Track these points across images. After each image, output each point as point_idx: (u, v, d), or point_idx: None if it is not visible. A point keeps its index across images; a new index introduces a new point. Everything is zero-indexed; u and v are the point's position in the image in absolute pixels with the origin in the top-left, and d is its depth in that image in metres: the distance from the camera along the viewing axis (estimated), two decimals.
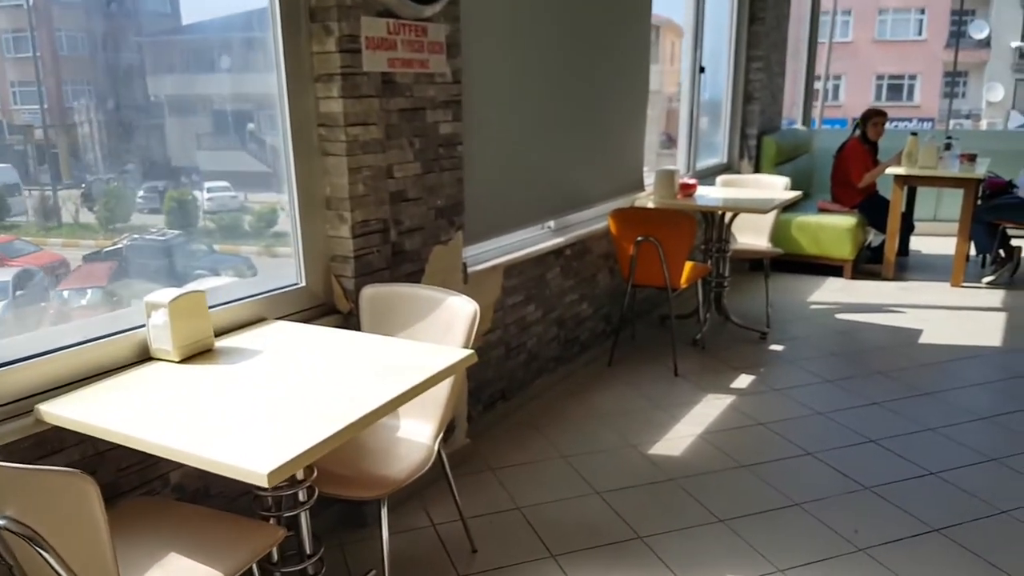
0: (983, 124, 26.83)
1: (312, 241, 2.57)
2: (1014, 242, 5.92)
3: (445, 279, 2.98)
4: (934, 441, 3.36)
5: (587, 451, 3.30)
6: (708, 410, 3.70)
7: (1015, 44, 27.43)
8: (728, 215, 4.54)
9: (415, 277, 2.84)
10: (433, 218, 2.89)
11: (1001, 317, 5.06)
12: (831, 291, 5.69)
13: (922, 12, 28.19)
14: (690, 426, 3.54)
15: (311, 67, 2.47)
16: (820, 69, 25.32)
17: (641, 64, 4.41)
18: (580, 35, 3.81)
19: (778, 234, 5.88)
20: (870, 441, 3.36)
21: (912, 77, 28.90)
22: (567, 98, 3.79)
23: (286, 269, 2.59)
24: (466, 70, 2.99)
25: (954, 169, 5.74)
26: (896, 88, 29.20)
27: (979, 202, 5.95)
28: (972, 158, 5.78)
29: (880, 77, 29.15)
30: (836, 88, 28.98)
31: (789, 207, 5.94)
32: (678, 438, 3.42)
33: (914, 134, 5.84)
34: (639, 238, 4.07)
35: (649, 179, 4.70)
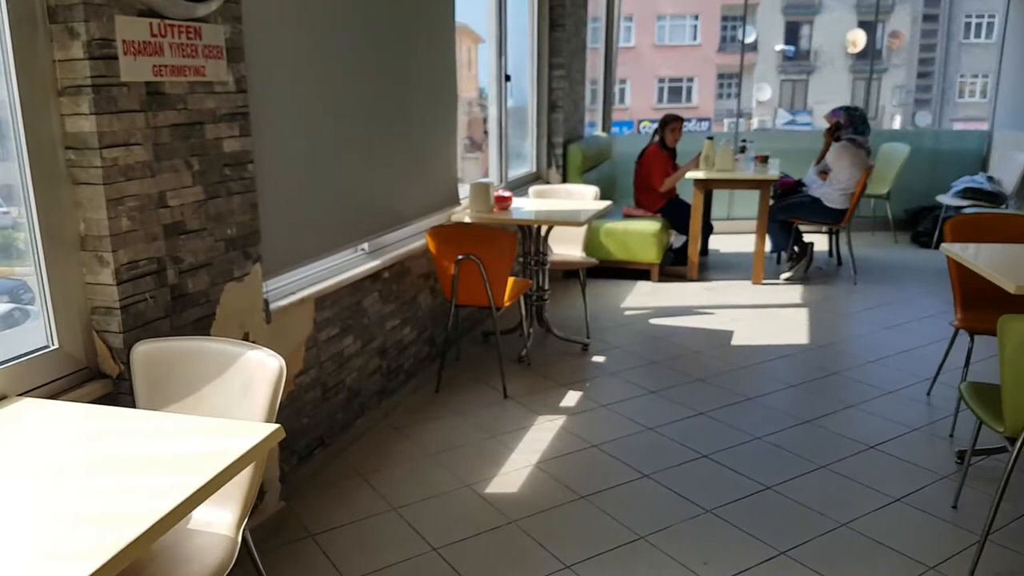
0: (755, 122, 29.39)
1: (64, 291, 2.06)
2: (806, 238, 6.29)
3: (243, 321, 2.55)
4: (763, 451, 3.37)
5: (420, 498, 2.99)
6: (541, 435, 3.52)
7: (778, 47, 30.28)
8: (544, 227, 4.41)
9: (204, 324, 2.39)
10: (223, 251, 2.45)
11: (803, 313, 5.32)
12: (642, 295, 5.76)
13: (696, 18, 30.38)
14: (525, 455, 3.33)
15: (53, 78, 1.97)
16: (602, 73, 26.56)
17: (448, 72, 4.15)
18: (383, 42, 3.48)
19: (588, 241, 5.87)
20: (703, 456, 3.31)
21: (690, 80, 31.08)
22: (374, 109, 3.44)
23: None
24: (253, 78, 2.58)
25: (749, 171, 6.00)
26: (676, 91, 31.29)
27: (772, 201, 6.28)
28: (765, 160, 6.07)
29: (662, 80, 31.11)
30: (622, 92, 30.55)
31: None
32: (514, 471, 3.19)
33: (710, 138, 6.04)
34: (459, 256, 3.82)
35: (464, 192, 4.46)
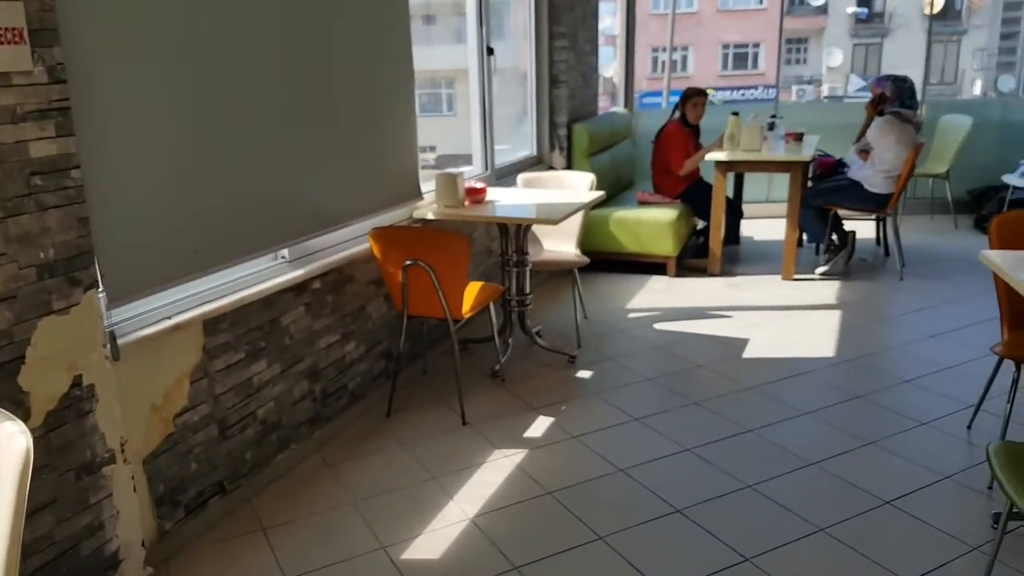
0: (824, 89, 27.77)
1: None
2: (848, 226, 5.51)
3: (73, 362, 2.09)
4: (750, 505, 2.76)
5: (320, 564, 2.50)
6: (491, 476, 2.99)
7: (850, 10, 28.49)
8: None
9: (9, 371, 1.93)
10: (34, 279, 1.98)
11: (834, 316, 4.61)
12: (653, 293, 5.12)
13: None
14: (463, 504, 2.81)
15: None
16: (665, 40, 25.40)
17: (401, 44, 3.58)
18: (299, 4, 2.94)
19: (596, 232, 5.27)
20: (675, 511, 2.73)
21: (756, 45, 29.56)
22: (288, 92, 2.91)
23: None
24: (81, 63, 2.08)
25: (779, 151, 5.27)
26: (741, 57, 29.82)
27: (810, 183, 5.54)
28: (799, 137, 5.33)
29: (726, 46, 29.67)
30: (684, 59, 29.27)
31: (606, 201, 5.35)
32: (444, 527, 2.68)
33: (735, 114, 5.32)
34: (407, 262, 3.30)
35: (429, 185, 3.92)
